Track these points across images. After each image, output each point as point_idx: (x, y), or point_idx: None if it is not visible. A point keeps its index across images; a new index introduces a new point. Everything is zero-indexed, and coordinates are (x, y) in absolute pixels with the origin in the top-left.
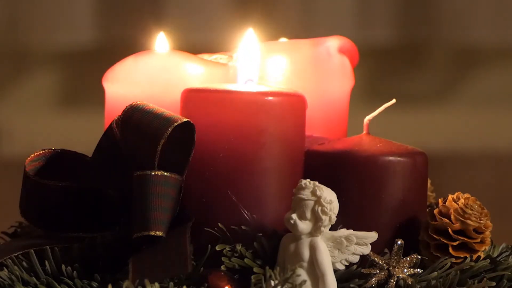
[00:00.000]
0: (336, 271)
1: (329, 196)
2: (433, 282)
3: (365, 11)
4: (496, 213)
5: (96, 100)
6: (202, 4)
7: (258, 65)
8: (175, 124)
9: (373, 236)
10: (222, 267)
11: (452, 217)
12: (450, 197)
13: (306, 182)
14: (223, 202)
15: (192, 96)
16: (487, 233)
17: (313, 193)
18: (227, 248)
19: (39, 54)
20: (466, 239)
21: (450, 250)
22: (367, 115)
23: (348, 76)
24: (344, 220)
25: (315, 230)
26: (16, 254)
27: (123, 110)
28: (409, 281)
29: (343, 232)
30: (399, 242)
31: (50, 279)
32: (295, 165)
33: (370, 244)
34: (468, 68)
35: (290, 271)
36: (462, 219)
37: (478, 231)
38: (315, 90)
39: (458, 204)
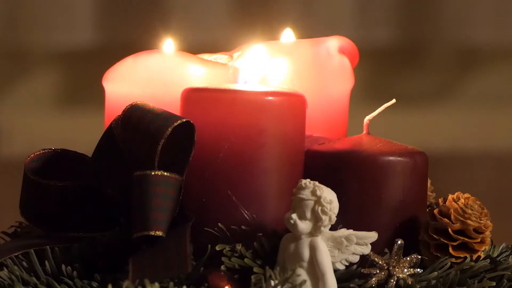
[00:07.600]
0: (336, 271)
1: (329, 196)
2: (433, 282)
3: (365, 11)
4: (496, 213)
5: (96, 100)
6: (202, 4)
7: (263, 67)
8: (175, 124)
9: (373, 236)
10: (222, 267)
11: (452, 217)
12: (450, 197)
13: (306, 182)
14: (223, 202)
15: (192, 96)
16: (487, 233)
17: (313, 193)
18: (227, 248)
19: (39, 54)
20: (466, 239)
21: (450, 250)
22: (367, 115)
23: (348, 76)
24: (344, 220)
25: (315, 230)
26: (16, 254)
27: (123, 110)
28: (409, 281)
29: (343, 232)
30: (399, 242)
31: (50, 279)
32: (295, 165)
33: (370, 244)
34: (468, 68)
35: (290, 271)
36: (462, 219)
37: (478, 231)
38: (315, 90)
39: (458, 204)
